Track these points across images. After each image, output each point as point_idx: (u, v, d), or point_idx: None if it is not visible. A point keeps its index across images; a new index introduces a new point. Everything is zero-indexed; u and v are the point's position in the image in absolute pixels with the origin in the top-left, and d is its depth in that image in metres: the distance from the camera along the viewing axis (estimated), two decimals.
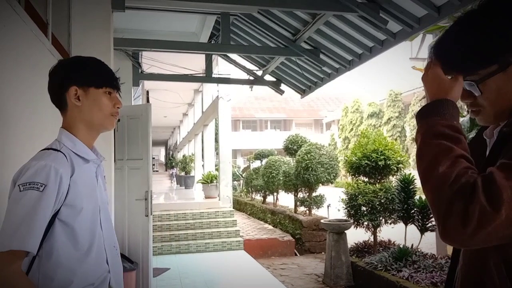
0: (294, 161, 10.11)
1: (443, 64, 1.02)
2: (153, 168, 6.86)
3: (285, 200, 12.20)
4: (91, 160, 1.47)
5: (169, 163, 32.76)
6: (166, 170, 33.95)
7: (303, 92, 7.85)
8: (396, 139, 22.88)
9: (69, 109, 1.45)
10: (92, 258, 1.39)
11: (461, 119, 4.12)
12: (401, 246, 5.67)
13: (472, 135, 3.77)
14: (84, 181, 1.40)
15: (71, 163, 1.37)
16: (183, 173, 20.61)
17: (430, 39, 4.82)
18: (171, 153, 35.11)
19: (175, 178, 24.84)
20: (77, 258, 1.35)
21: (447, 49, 1.02)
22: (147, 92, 12.69)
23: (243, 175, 15.79)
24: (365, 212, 6.23)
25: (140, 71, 7.77)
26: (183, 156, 22.19)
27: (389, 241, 6.59)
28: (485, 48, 0.95)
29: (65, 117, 1.47)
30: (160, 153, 47.82)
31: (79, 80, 1.44)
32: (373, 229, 6.33)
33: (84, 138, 1.46)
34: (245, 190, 15.28)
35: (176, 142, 28.79)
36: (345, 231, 6.15)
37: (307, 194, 9.53)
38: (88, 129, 1.47)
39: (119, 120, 4.92)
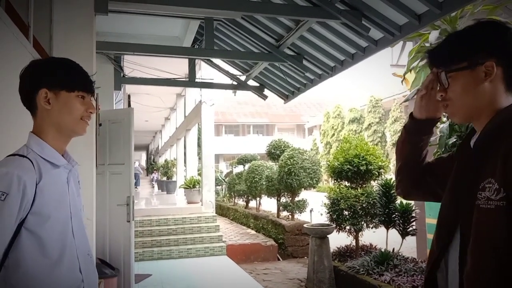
0: (277, 166, 10.14)
1: (432, 61, 1.23)
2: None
3: (268, 205, 12.21)
4: (61, 165, 1.40)
5: (151, 167, 32.41)
6: (147, 175, 33.55)
7: (286, 97, 7.90)
8: (377, 144, 23.18)
9: (39, 112, 1.39)
10: (64, 267, 1.33)
11: (440, 125, 4.21)
12: (383, 250, 5.74)
13: (451, 141, 3.86)
14: (52, 187, 1.34)
15: (38, 169, 1.30)
16: (164, 178, 20.43)
17: (410, 46, 4.92)
18: (152, 157, 34.75)
19: (156, 183, 24.60)
20: (47, 268, 1.29)
21: (438, 48, 1.22)
22: (129, 96, 12.56)
23: (226, 180, 15.74)
24: (347, 217, 6.29)
25: (122, 75, 7.69)
26: (165, 160, 22.01)
27: (371, 245, 6.66)
28: (461, 46, 1.14)
29: (35, 120, 1.41)
30: (141, 158, 47.27)
31: (49, 82, 1.37)
32: (355, 234, 6.39)
33: (54, 142, 1.39)
34: (228, 195, 15.24)
35: (158, 146, 28.54)
36: (328, 236, 6.19)
37: (290, 198, 9.56)
38: (58, 133, 1.40)
39: (100, 125, 4.86)
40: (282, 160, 9.51)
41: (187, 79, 8.59)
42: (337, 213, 6.35)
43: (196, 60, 8.63)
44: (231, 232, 10.14)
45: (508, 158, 0.98)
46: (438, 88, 1.21)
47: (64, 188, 1.41)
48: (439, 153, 4.10)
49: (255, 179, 11.29)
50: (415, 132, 1.38)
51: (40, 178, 1.29)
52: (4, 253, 1.23)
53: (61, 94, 1.38)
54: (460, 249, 1.08)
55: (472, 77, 1.11)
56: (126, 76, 7.92)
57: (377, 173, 6.47)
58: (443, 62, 1.18)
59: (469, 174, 1.10)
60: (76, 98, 1.40)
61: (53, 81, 1.38)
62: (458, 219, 1.11)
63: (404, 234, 5.77)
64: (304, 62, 6.17)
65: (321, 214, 6.92)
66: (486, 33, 1.13)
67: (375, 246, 6.60)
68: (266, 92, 8.17)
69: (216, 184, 13.74)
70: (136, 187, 24.29)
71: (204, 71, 9.78)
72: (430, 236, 6.80)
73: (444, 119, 4.45)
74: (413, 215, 5.83)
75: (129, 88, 11.31)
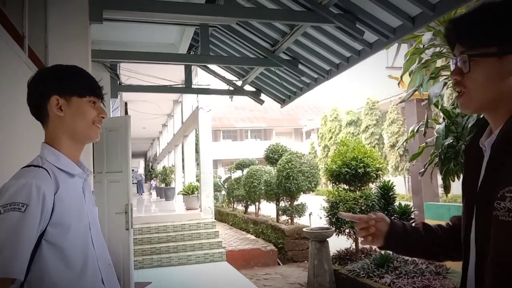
0: (275, 170, 10.13)
1: (454, 35, 1.01)
2: (132, 181, 6.76)
3: (267, 209, 12.19)
4: (76, 175, 1.38)
5: (149, 174, 32.35)
6: (145, 182, 33.47)
7: (282, 101, 7.91)
8: (374, 147, 23.20)
9: (51, 121, 1.36)
10: (88, 278, 1.29)
11: (436, 126, 4.23)
12: (383, 252, 5.73)
13: (448, 141, 3.87)
14: (70, 197, 1.31)
15: (55, 179, 1.28)
16: (163, 185, 20.39)
17: (405, 48, 4.95)
18: (150, 164, 34.69)
19: (154, 190, 24.56)
20: (71, 280, 1.25)
21: (464, 21, 1.00)
22: (126, 103, 12.57)
23: (225, 186, 15.72)
24: (346, 220, 6.28)
25: (118, 82, 7.70)
26: (163, 167, 21.97)
27: (371, 248, 6.65)
28: (494, 26, 0.93)
29: (47, 129, 1.38)
30: (139, 165, 47.18)
31: (60, 89, 1.36)
32: (354, 237, 6.38)
33: (68, 151, 1.37)
34: (226, 200, 15.21)
35: (156, 153, 28.50)
36: (327, 239, 6.18)
37: (289, 203, 9.55)
38: (72, 140, 1.38)
39: None
40: (280, 164, 9.51)
41: (184, 86, 8.61)
42: (336, 216, 6.34)
43: (192, 67, 8.65)
44: (231, 238, 10.11)
45: None
46: (453, 69, 1.02)
47: (81, 197, 1.38)
48: (435, 153, 4.11)
49: (254, 184, 11.28)
50: (394, 248, 1.31)
51: (57, 188, 1.27)
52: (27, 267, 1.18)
53: (73, 100, 1.37)
54: (476, 265, 0.96)
55: (499, 66, 0.92)
56: (122, 84, 7.93)
57: (375, 175, 6.48)
58: (467, 40, 0.97)
59: (484, 180, 0.95)
60: (88, 103, 1.40)
61: (64, 87, 1.37)
62: (471, 231, 0.99)
63: None
64: (300, 66, 6.20)
65: (320, 218, 6.91)
66: None
67: (375, 249, 6.59)
68: (263, 96, 8.18)
69: (215, 190, 13.72)
70: (141, 194, 24.23)
71: (201, 77, 9.80)
72: None
73: (440, 120, 4.47)
74: (412, 216, 5.83)
75: (125, 95, 11.32)
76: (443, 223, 1.31)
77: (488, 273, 0.90)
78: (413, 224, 1.32)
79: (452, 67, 1.02)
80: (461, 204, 1.07)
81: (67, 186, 1.32)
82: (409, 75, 4.70)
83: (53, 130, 1.38)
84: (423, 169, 4.52)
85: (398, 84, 5.72)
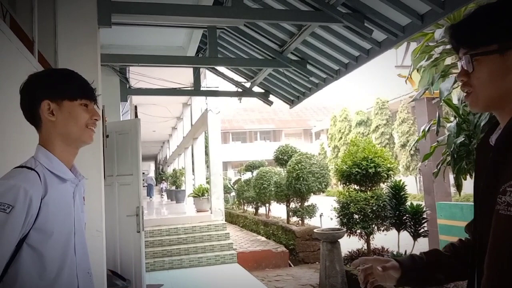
0: (285, 171, 10.11)
1: (455, 39, 1.04)
2: (142, 184, 6.77)
3: (277, 211, 12.16)
4: (68, 180, 1.37)
5: (159, 177, 32.52)
6: (156, 185, 33.66)
7: (291, 102, 7.89)
8: (385, 146, 23.05)
9: (43, 125, 1.36)
10: (60, 286, 1.29)
11: (447, 125, 4.18)
12: (395, 253, 5.68)
13: (460, 140, 3.82)
14: (57, 203, 1.30)
15: (44, 183, 1.28)
16: (173, 187, 20.47)
17: (414, 47, 4.90)
18: (161, 167, 34.87)
19: (165, 193, 24.67)
20: (42, 286, 1.25)
21: (464, 23, 1.02)
22: (135, 107, 12.64)
23: (235, 187, 15.73)
24: (357, 220, 6.24)
25: (127, 86, 7.75)
26: (173, 170, 22.06)
27: (383, 248, 6.59)
28: (492, 25, 0.95)
29: (41, 134, 1.38)
30: (150, 168, 47.46)
31: (51, 93, 1.35)
32: (366, 237, 6.33)
33: (62, 155, 1.37)
34: (237, 202, 15.22)
35: (166, 156, 28.64)
36: (339, 240, 6.14)
37: (299, 204, 9.52)
38: (65, 144, 1.38)
39: (107, 136, 4.89)
40: (290, 166, 9.49)
41: (193, 88, 8.63)
42: (347, 217, 6.30)
43: (201, 69, 8.68)
44: (241, 240, 10.11)
45: None
46: (459, 71, 1.04)
47: (70, 203, 1.38)
48: (447, 152, 4.06)
49: (264, 186, 11.27)
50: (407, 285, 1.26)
51: (45, 193, 1.27)
52: (4, 268, 1.20)
53: (64, 103, 1.36)
54: (477, 257, 0.98)
55: (501, 63, 0.94)
56: (132, 88, 7.98)
57: (386, 175, 6.42)
58: (468, 42, 1.00)
59: (488, 175, 0.97)
60: (80, 107, 1.39)
61: (54, 91, 1.36)
62: (477, 225, 1.01)
63: (415, 236, 5.71)
64: (308, 67, 6.18)
65: (331, 219, 6.87)
66: None
67: (387, 249, 6.54)
68: (272, 98, 8.17)
69: (225, 192, 13.75)
70: (151, 197, 24.39)
71: (209, 80, 9.83)
72: (442, 237, 6.73)
73: (451, 118, 4.42)
74: (424, 216, 5.77)
75: (135, 99, 11.38)
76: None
77: (485, 266, 0.92)
78: (424, 255, 1.28)
79: (459, 69, 1.05)
80: (473, 203, 1.08)
81: (56, 192, 1.31)
82: (417, 71, 4.65)
83: (46, 134, 1.38)
84: (437, 169, 4.46)
85: (406, 81, 5.67)
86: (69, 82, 1.40)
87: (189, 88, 9.00)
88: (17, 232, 1.19)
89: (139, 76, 7.89)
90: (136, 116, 11.87)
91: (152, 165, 46.10)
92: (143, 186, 21.46)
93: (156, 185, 32.84)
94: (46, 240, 1.26)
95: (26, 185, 1.22)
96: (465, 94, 1.04)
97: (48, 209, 1.26)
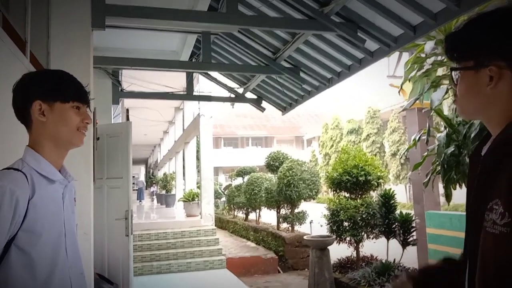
0: (276, 177, 10.12)
1: (446, 51, 1.07)
2: (133, 187, 6.71)
3: (268, 217, 12.15)
4: (56, 181, 1.36)
5: (150, 181, 32.31)
6: (146, 189, 33.43)
7: (284, 109, 7.92)
8: (375, 155, 23.17)
9: (34, 125, 1.35)
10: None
11: (438, 135, 4.22)
12: (384, 261, 5.70)
13: (450, 150, 3.86)
14: (46, 204, 1.29)
15: (32, 184, 1.26)
16: (164, 192, 20.36)
17: (406, 57, 4.96)
18: (151, 171, 34.67)
19: (155, 197, 24.53)
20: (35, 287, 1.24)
21: (455, 37, 1.05)
22: (127, 110, 12.59)
23: (225, 193, 15.69)
24: (347, 228, 6.25)
25: (120, 89, 7.72)
26: (164, 174, 21.96)
27: (372, 256, 6.61)
28: (470, 42, 0.98)
29: (31, 134, 1.37)
30: (140, 172, 47.14)
31: (43, 94, 1.34)
32: (355, 245, 6.35)
33: (50, 156, 1.36)
34: (227, 207, 15.17)
35: (157, 160, 28.50)
36: (328, 247, 6.15)
37: (290, 210, 9.52)
38: (55, 146, 1.36)
39: (98, 139, 4.86)
40: (281, 172, 9.50)
41: (185, 93, 8.62)
42: (337, 224, 6.32)
43: (194, 74, 8.67)
44: (231, 245, 10.07)
45: None
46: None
47: (59, 204, 1.36)
48: (437, 162, 4.10)
49: (254, 191, 11.25)
50: None
51: (33, 194, 1.25)
52: None
53: (56, 105, 1.35)
54: (468, 275, 0.97)
55: (476, 79, 0.97)
56: (124, 91, 7.95)
57: (376, 184, 6.46)
58: (453, 56, 1.04)
59: (477, 191, 0.96)
60: (71, 109, 1.37)
61: (46, 92, 1.35)
62: (468, 240, 1.01)
63: (404, 244, 5.74)
64: (301, 74, 6.21)
65: (321, 226, 6.89)
66: (497, 27, 0.94)
67: (376, 257, 6.56)
68: (264, 104, 8.19)
69: (215, 197, 13.69)
70: (140, 201, 24.21)
71: (202, 85, 9.82)
72: (431, 246, 6.77)
73: (441, 128, 4.46)
74: (413, 225, 5.81)
75: (127, 102, 11.34)
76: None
77: (476, 283, 0.92)
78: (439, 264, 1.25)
79: None
80: (462, 213, 1.09)
81: (44, 193, 1.30)
82: (409, 81, 4.71)
83: (36, 135, 1.36)
84: (427, 179, 4.50)
85: (399, 92, 5.73)
86: (62, 84, 1.39)
87: (182, 93, 8.98)
88: (4, 233, 1.18)
89: (131, 79, 7.86)
90: (127, 119, 11.82)
91: (142, 169, 45.80)
92: (133, 190, 21.32)
93: (147, 188, 32.63)
94: (35, 242, 1.24)
95: (12, 185, 1.21)
96: (454, 101, 1.11)
97: (36, 210, 1.25)
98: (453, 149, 3.87)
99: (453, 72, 1.05)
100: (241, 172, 14.45)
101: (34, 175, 1.30)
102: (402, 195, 19.87)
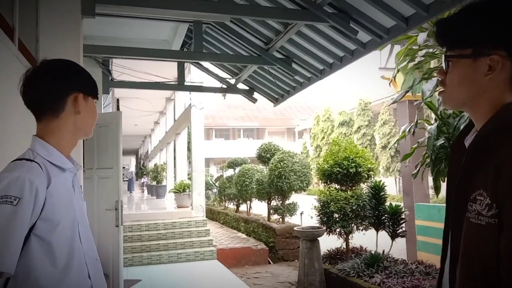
0: (267, 169, 10.13)
1: (437, 37, 1.05)
2: (123, 178, 6.68)
3: (259, 208, 12.18)
4: (67, 169, 1.37)
5: (140, 172, 32.18)
6: (137, 180, 33.30)
7: (275, 100, 7.91)
8: (366, 147, 23.32)
9: (63, 116, 1.35)
10: (74, 275, 1.28)
11: (428, 127, 4.25)
12: (373, 252, 5.75)
13: (439, 142, 3.89)
14: (61, 192, 1.31)
15: (47, 174, 1.27)
16: (154, 183, 20.29)
17: (398, 49, 4.97)
18: (142, 162, 34.51)
19: (145, 188, 24.44)
20: (57, 275, 1.24)
21: (447, 23, 1.04)
22: (117, 100, 12.47)
23: (216, 184, 15.69)
24: (337, 219, 6.29)
25: (110, 78, 7.64)
26: (155, 165, 21.86)
27: (361, 247, 6.67)
28: (469, 30, 0.96)
29: (49, 123, 1.35)
30: (131, 162, 46.93)
31: (84, 87, 1.41)
32: (345, 236, 6.40)
33: (64, 146, 1.38)
34: (218, 199, 15.18)
35: (147, 151, 28.35)
36: (318, 239, 6.19)
37: (280, 202, 9.56)
38: (73, 137, 1.41)
39: None
40: (272, 164, 9.51)
41: (177, 83, 8.56)
42: (327, 215, 6.35)
43: (185, 64, 8.61)
44: (222, 236, 10.09)
45: (501, 173, 0.84)
46: (439, 69, 1.06)
47: (71, 192, 1.38)
48: (427, 154, 4.13)
49: (246, 183, 11.27)
50: None
51: (49, 183, 1.26)
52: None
53: (89, 99, 1.43)
54: (450, 264, 0.97)
55: (473, 68, 0.95)
56: (114, 80, 7.87)
57: (366, 176, 6.49)
58: (446, 42, 1.02)
59: (460, 181, 0.96)
60: (95, 104, 1.46)
61: (86, 86, 1.42)
62: (448, 231, 1.01)
63: (394, 236, 5.80)
64: (293, 65, 6.19)
65: (312, 217, 6.92)
66: (499, 16, 0.93)
67: (365, 248, 6.62)
68: (256, 95, 8.17)
69: (207, 188, 13.69)
70: (131, 192, 24.11)
71: (194, 75, 9.76)
72: (419, 238, 6.85)
73: (432, 121, 4.49)
74: (403, 217, 5.86)
75: (118, 92, 11.23)
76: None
77: (458, 272, 0.93)
78: None
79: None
80: None
81: (58, 182, 1.31)
82: (400, 71, 4.72)
83: (58, 125, 1.36)
84: (416, 171, 4.53)
85: (390, 83, 5.74)
86: (92, 80, 1.47)
87: (173, 83, 8.92)
88: (26, 223, 1.18)
89: (122, 68, 7.78)
90: (118, 109, 11.71)
91: (133, 160, 45.60)
92: (124, 181, 21.21)
93: (137, 180, 32.50)
94: (53, 230, 1.25)
95: (31, 175, 1.21)
96: (440, 90, 1.07)
97: (53, 199, 1.26)
98: (443, 141, 3.90)
99: (443, 59, 1.03)
100: (232, 164, 14.44)
101: (47, 165, 1.30)
102: (392, 187, 20.05)
